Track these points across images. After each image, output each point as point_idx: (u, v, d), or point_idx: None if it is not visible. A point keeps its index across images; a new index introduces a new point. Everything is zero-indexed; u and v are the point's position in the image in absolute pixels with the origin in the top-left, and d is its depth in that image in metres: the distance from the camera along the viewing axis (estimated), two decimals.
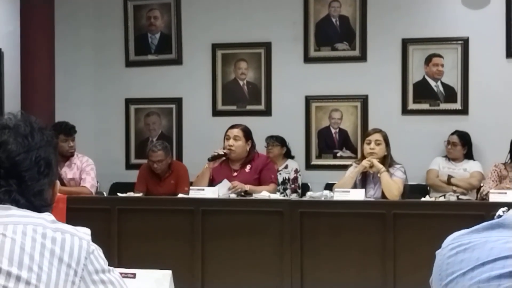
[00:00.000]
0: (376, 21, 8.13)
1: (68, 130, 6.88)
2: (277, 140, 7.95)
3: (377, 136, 6.40)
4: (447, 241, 1.58)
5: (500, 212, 1.60)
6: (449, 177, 7.42)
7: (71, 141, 6.90)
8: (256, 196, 6.18)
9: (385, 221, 5.69)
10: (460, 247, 1.52)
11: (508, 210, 1.58)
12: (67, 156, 6.88)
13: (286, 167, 7.92)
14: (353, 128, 8.24)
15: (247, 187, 6.35)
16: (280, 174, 7.78)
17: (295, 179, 7.87)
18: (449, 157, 7.63)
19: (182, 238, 5.96)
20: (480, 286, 1.44)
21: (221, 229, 5.92)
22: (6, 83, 8.04)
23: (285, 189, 7.72)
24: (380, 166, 6.24)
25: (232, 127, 6.62)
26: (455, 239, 1.55)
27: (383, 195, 6.21)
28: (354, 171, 6.42)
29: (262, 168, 6.55)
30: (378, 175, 6.26)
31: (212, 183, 6.44)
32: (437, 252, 1.60)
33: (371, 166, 6.30)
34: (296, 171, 7.91)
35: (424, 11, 8.04)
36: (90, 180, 6.85)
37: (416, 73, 8.07)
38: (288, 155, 8.08)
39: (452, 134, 7.66)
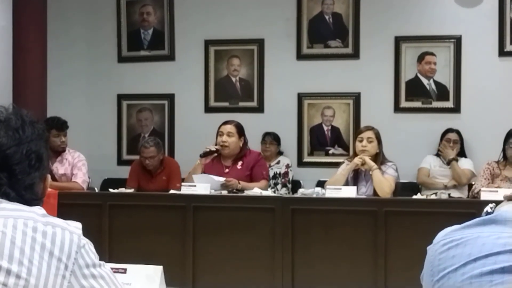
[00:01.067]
0: (369, 19, 8.14)
1: (60, 125, 6.87)
2: (275, 139, 8.04)
3: (369, 134, 6.40)
4: (438, 236, 1.58)
5: (488, 208, 1.60)
6: (452, 159, 7.41)
7: (63, 136, 6.89)
8: (247, 192, 6.18)
9: (376, 219, 5.69)
10: (452, 243, 1.52)
11: (496, 206, 1.59)
12: (58, 152, 6.86)
13: (278, 162, 8.04)
14: (345, 125, 8.25)
15: (240, 184, 6.34)
16: (271, 169, 7.88)
17: (286, 173, 7.97)
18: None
19: (174, 234, 5.95)
20: (472, 282, 1.44)
21: (212, 226, 5.91)
22: None
23: (276, 184, 7.83)
24: (372, 163, 6.25)
25: (225, 123, 6.62)
26: (447, 235, 1.56)
27: (375, 193, 6.22)
28: (346, 168, 6.42)
29: (254, 164, 6.54)
30: (370, 172, 6.27)
31: None
32: (428, 247, 1.60)
33: (363, 164, 6.31)
34: (288, 166, 8.04)
35: (417, 9, 8.05)
36: (82, 176, 6.84)
37: (409, 71, 8.08)
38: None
39: (450, 132, 7.65)
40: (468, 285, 1.45)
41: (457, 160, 7.47)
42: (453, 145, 7.58)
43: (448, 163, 7.46)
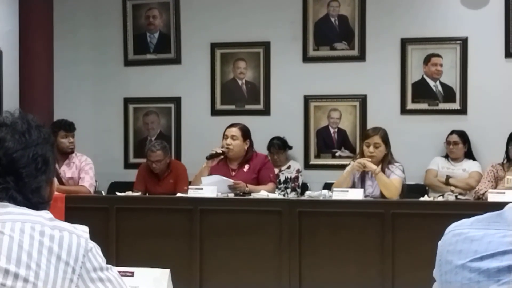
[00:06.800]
0: (375, 21, 8.13)
1: (67, 126, 6.89)
2: (280, 147, 7.99)
3: (376, 139, 6.31)
4: (449, 228, 1.59)
5: None
6: (448, 177, 7.44)
7: (71, 137, 6.90)
8: (254, 195, 6.18)
9: (383, 221, 5.69)
10: (460, 236, 1.54)
11: None
12: (67, 153, 6.87)
13: (288, 167, 8.02)
14: (352, 127, 8.24)
15: (247, 188, 6.34)
16: (282, 173, 7.90)
17: (296, 178, 7.97)
18: (451, 157, 7.64)
19: (181, 237, 5.96)
20: (480, 281, 1.45)
21: (219, 228, 5.92)
22: (4, 83, 8.03)
23: (286, 188, 7.83)
24: (374, 167, 6.17)
25: (231, 126, 6.64)
26: (457, 226, 1.57)
27: (381, 193, 6.19)
28: (347, 171, 6.38)
29: (261, 167, 6.55)
30: (374, 176, 6.22)
31: None
32: (439, 242, 1.61)
33: (365, 167, 6.25)
34: (298, 171, 8.03)
35: (423, 11, 8.04)
36: (89, 179, 6.85)
37: (415, 73, 8.07)
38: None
39: (451, 134, 7.68)
40: (475, 283, 1.46)
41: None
42: (453, 146, 7.60)
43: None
